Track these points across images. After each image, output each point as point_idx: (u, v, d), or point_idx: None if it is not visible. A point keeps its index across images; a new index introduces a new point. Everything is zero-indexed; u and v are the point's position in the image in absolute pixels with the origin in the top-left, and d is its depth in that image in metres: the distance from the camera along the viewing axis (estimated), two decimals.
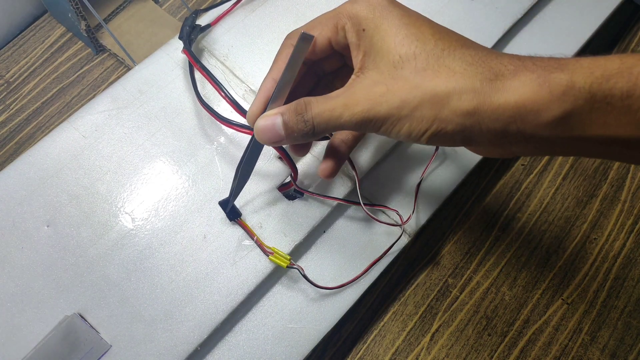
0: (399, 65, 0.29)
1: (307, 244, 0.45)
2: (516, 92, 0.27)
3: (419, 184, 0.47)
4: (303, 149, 0.39)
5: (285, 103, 0.33)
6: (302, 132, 0.31)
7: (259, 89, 0.35)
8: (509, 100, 0.27)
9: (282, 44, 0.35)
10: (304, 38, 0.31)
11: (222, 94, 0.41)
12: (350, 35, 0.32)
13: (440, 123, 0.28)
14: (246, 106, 0.46)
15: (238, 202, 0.42)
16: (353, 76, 0.31)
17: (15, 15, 0.60)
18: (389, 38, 0.30)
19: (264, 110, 0.33)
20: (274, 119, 0.32)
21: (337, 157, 0.39)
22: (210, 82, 0.42)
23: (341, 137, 0.39)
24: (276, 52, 0.35)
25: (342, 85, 0.32)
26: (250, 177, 0.44)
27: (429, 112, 0.28)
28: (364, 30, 0.31)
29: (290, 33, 0.35)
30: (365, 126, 0.30)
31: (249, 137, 0.43)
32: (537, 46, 0.54)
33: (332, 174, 0.38)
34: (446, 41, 0.30)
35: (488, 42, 0.51)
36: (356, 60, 0.31)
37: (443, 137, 0.29)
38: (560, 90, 0.26)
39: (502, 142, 0.29)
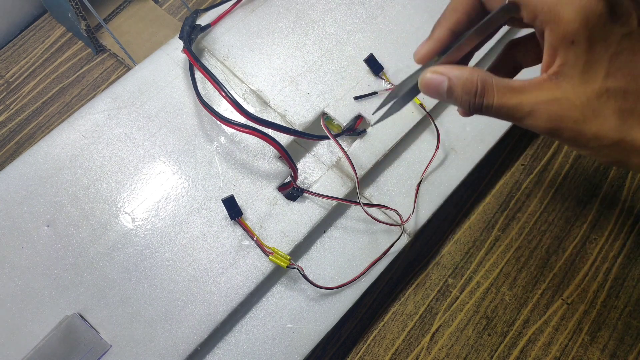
0: (599, 100, 0.28)
1: (307, 244, 0.45)
2: None
3: (418, 184, 0.47)
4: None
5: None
6: (464, 106, 0.30)
7: (432, 31, 0.32)
8: None
9: None
10: (507, 9, 0.29)
11: (223, 93, 0.41)
12: (549, 35, 0.29)
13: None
14: (246, 106, 0.46)
15: (238, 201, 0.42)
16: (544, 76, 0.29)
17: (15, 15, 0.60)
18: (599, 65, 0.28)
19: (432, 57, 0.32)
20: (441, 79, 0.30)
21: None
22: (211, 82, 0.42)
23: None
24: None
25: None
26: (251, 176, 0.44)
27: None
28: (572, 42, 0.28)
29: None
30: (548, 134, 0.29)
31: (249, 136, 0.43)
32: None
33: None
34: None
35: (488, 42, 0.51)
36: (551, 61, 0.29)
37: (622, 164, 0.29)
38: None
39: None
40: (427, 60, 0.32)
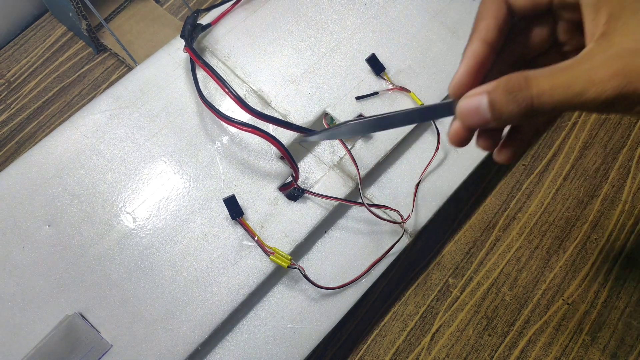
0: None
1: (308, 244, 0.45)
2: None
3: (417, 184, 0.47)
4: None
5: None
6: (514, 115, 0.26)
7: (465, 54, 0.29)
8: None
9: None
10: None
11: (226, 89, 0.41)
12: None
13: None
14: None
15: (239, 201, 0.42)
16: (591, 44, 0.26)
17: (16, 15, 0.60)
18: None
19: (473, 80, 0.28)
20: (479, 97, 0.26)
21: (520, 142, 0.31)
22: (214, 79, 0.42)
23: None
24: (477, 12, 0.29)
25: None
26: (252, 176, 0.44)
27: None
28: None
29: None
30: (615, 105, 0.24)
31: (251, 136, 0.43)
32: None
33: (510, 160, 0.31)
34: None
35: None
36: (594, 24, 0.26)
37: None
38: None
39: None
40: (465, 89, 0.28)
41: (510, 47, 0.31)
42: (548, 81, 0.25)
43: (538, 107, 0.25)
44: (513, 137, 0.31)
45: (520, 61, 0.31)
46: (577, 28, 0.29)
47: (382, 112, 0.31)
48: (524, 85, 0.25)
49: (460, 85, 0.28)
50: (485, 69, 0.29)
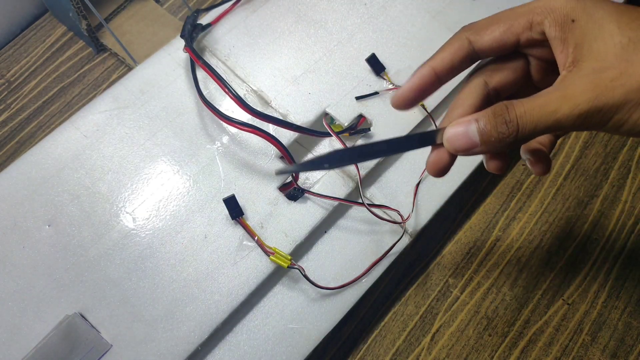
0: (629, 48, 0.26)
1: (308, 244, 0.45)
2: None
3: (418, 184, 0.47)
4: (500, 162, 0.32)
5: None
6: (503, 137, 0.28)
7: (414, 73, 0.31)
8: None
9: (455, 35, 0.31)
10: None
11: (226, 89, 0.41)
12: (552, 30, 0.29)
13: None
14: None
15: (239, 201, 0.42)
16: (564, 72, 0.28)
17: (16, 15, 0.60)
18: (609, 24, 0.27)
19: (414, 97, 0.31)
20: (467, 126, 0.28)
21: (544, 161, 0.34)
22: (213, 78, 0.42)
23: (539, 139, 0.35)
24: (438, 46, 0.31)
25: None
26: (252, 176, 0.44)
27: None
28: (573, 21, 0.28)
29: (467, 26, 0.31)
30: (589, 119, 0.27)
31: (251, 136, 0.43)
32: None
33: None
34: None
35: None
36: (564, 55, 0.28)
37: None
38: None
39: None
40: (405, 103, 0.32)
41: (488, 85, 0.33)
42: (525, 105, 0.27)
43: (523, 128, 0.27)
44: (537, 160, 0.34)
45: (497, 99, 0.33)
46: (549, 67, 0.31)
47: (364, 143, 0.32)
48: (507, 109, 0.28)
49: (400, 99, 0.32)
50: (427, 93, 0.32)
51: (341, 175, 0.45)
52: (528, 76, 0.33)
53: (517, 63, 0.32)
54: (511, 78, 0.32)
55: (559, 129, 0.27)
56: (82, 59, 0.59)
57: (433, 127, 0.49)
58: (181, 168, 0.44)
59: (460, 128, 0.29)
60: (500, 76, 0.32)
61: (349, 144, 0.47)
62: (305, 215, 0.43)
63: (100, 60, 0.59)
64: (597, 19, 0.28)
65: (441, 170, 0.31)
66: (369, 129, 0.47)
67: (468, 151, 0.29)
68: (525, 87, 0.33)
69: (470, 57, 0.31)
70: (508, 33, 0.30)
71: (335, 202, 0.44)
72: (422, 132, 0.31)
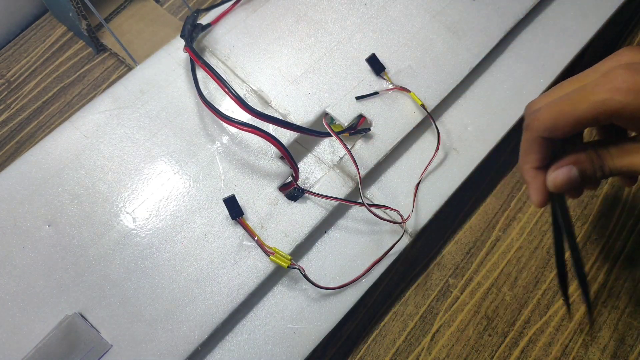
0: None
1: (308, 244, 0.45)
2: None
3: (417, 184, 0.47)
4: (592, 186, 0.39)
5: None
6: (598, 178, 0.33)
7: (525, 179, 0.36)
8: None
9: (526, 125, 0.34)
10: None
11: (226, 89, 0.41)
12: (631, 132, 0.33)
13: None
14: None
15: (239, 201, 0.42)
16: None
17: (16, 15, 0.60)
18: None
19: (545, 192, 0.35)
20: (567, 168, 0.33)
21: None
22: (213, 78, 0.42)
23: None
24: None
25: None
26: (252, 176, 0.44)
27: None
28: None
29: (531, 103, 0.34)
30: None
31: (251, 136, 0.43)
32: (538, 47, 0.54)
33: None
34: None
35: (490, 42, 0.51)
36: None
37: None
38: None
39: None
40: (544, 198, 0.35)
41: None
42: (620, 160, 0.32)
43: (614, 172, 0.32)
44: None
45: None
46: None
47: None
48: (602, 162, 0.32)
49: (541, 200, 0.36)
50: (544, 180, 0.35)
51: (341, 175, 0.45)
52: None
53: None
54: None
55: None
56: (82, 59, 0.59)
57: (433, 127, 0.49)
58: (181, 168, 0.44)
59: (562, 173, 0.33)
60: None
61: (348, 144, 0.47)
62: (305, 215, 0.43)
63: (100, 60, 0.59)
64: None
65: (545, 202, 0.36)
66: (369, 129, 0.47)
67: (571, 190, 0.35)
68: None
69: (550, 147, 0.34)
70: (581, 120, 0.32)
71: (335, 202, 0.44)
72: None
